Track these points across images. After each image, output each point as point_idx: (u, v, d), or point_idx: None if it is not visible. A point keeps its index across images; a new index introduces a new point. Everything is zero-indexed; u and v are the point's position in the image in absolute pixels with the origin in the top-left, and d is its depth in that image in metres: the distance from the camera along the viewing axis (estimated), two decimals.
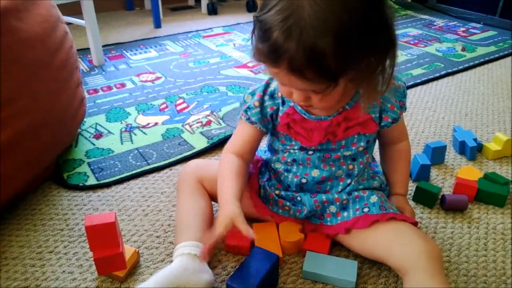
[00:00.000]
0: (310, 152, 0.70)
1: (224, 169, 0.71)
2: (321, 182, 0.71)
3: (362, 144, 0.69)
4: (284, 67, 0.52)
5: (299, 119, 0.67)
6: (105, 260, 0.65)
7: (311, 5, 0.48)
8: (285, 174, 0.73)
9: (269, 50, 0.51)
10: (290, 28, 0.49)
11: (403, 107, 0.70)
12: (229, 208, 0.64)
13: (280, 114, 0.69)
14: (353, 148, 0.69)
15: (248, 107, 0.70)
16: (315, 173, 0.71)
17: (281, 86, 0.62)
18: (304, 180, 0.72)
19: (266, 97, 0.69)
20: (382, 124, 0.70)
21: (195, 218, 0.71)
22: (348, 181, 0.72)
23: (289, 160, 0.72)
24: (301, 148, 0.70)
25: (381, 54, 0.54)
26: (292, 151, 0.71)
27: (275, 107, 0.69)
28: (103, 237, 0.63)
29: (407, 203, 0.77)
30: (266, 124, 0.71)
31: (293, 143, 0.70)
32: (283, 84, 0.59)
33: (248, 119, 0.71)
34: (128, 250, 0.71)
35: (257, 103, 0.69)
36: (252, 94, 0.70)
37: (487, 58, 1.70)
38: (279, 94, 0.69)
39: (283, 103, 0.69)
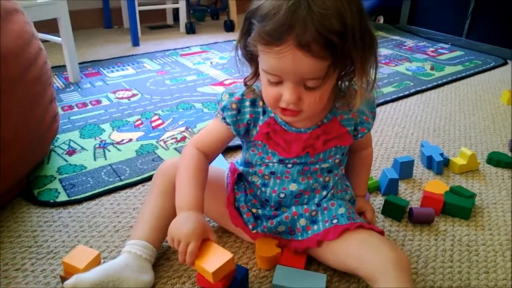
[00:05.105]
0: (290, 165, 0.70)
1: (190, 167, 0.69)
2: (299, 196, 0.72)
3: (338, 156, 0.72)
4: (291, 42, 0.53)
5: (280, 130, 0.68)
6: None
7: None
8: (263, 189, 0.73)
9: (276, 26, 0.53)
10: (299, 2, 0.52)
11: (374, 117, 0.74)
12: (201, 220, 0.63)
13: (260, 123, 0.69)
14: (330, 160, 0.71)
15: (224, 107, 0.68)
16: (293, 187, 0.72)
17: (269, 88, 0.60)
18: (282, 195, 0.72)
19: (247, 103, 0.68)
20: (359, 135, 0.72)
21: (155, 218, 0.72)
22: (324, 193, 0.73)
23: (266, 173, 0.72)
24: (280, 161, 0.70)
25: (370, 52, 0.58)
26: (270, 164, 0.71)
27: (254, 115, 0.68)
28: None
29: (367, 203, 0.82)
30: (240, 130, 0.69)
31: (271, 155, 0.71)
32: (278, 73, 0.58)
33: (224, 118, 0.69)
34: (91, 252, 0.71)
35: (234, 106, 0.68)
36: (231, 95, 0.69)
37: (454, 77, 1.77)
38: (261, 103, 0.68)
39: (264, 112, 0.68)
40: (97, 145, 1.15)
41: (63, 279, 0.67)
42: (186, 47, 2.17)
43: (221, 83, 1.65)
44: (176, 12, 2.60)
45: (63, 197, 0.93)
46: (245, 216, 0.74)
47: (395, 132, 1.29)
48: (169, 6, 2.55)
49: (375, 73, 0.61)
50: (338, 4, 0.52)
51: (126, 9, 2.23)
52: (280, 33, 0.53)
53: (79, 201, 0.92)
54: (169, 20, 2.70)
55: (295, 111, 0.61)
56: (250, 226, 0.74)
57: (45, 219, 0.86)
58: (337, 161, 0.72)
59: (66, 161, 1.07)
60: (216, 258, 0.59)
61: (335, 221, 0.70)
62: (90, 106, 1.40)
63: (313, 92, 0.58)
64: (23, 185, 0.95)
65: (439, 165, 1.06)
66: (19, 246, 0.79)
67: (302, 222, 0.73)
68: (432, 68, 1.88)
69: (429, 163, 1.08)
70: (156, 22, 2.68)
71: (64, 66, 1.65)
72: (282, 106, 0.61)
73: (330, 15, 0.52)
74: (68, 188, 0.96)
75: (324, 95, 0.61)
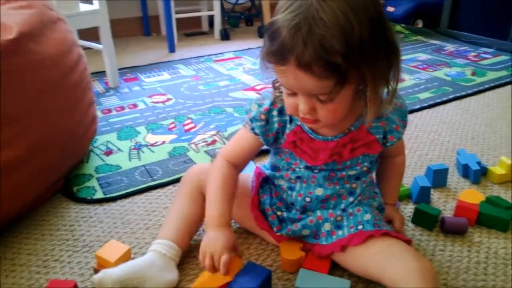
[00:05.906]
0: (316, 171, 0.71)
1: (218, 181, 0.71)
2: (325, 201, 0.72)
3: (366, 164, 0.71)
4: (292, 63, 0.54)
5: (306, 138, 0.68)
6: None
7: (321, 5, 0.52)
8: (289, 192, 0.74)
9: (278, 47, 0.54)
10: (299, 24, 0.52)
11: (405, 126, 0.72)
12: (230, 233, 0.67)
13: (287, 131, 0.69)
14: (358, 168, 0.70)
15: (253, 118, 0.69)
16: (319, 191, 0.72)
17: (287, 98, 0.62)
18: (308, 199, 0.72)
19: (275, 112, 0.69)
20: (388, 144, 0.71)
21: (181, 220, 0.75)
22: (351, 199, 0.73)
23: (293, 177, 0.72)
24: (307, 167, 0.71)
25: (386, 63, 0.57)
26: (297, 169, 0.72)
27: (282, 124, 0.69)
28: None
29: (396, 212, 0.80)
30: (269, 139, 0.71)
31: (298, 161, 0.71)
32: (289, 88, 0.59)
33: (252, 129, 0.70)
34: (122, 247, 0.74)
35: (263, 117, 0.69)
36: (259, 105, 0.70)
37: (497, 83, 1.69)
38: (288, 112, 0.69)
39: (291, 121, 0.69)
40: (132, 147, 1.20)
41: (96, 271, 0.70)
42: (220, 53, 2.21)
43: (253, 88, 1.67)
44: (211, 19, 2.66)
45: (99, 194, 0.97)
46: (270, 218, 0.75)
47: (431, 139, 1.25)
48: (204, 13, 2.61)
49: (397, 82, 0.60)
50: (341, 21, 0.51)
51: (164, 17, 2.31)
52: (282, 53, 0.54)
53: (113, 199, 0.96)
54: (205, 27, 2.77)
55: (313, 119, 0.62)
56: (275, 229, 0.75)
57: (82, 215, 0.91)
58: (365, 168, 0.71)
59: (103, 161, 1.12)
60: None
61: (360, 227, 0.69)
62: (127, 110, 1.47)
63: (326, 105, 0.59)
64: (63, 182, 1.00)
65: (476, 174, 1.01)
66: (58, 238, 0.84)
67: (327, 226, 0.72)
68: (473, 74, 1.80)
69: (465, 171, 1.04)
70: (192, 29, 2.74)
71: (105, 72, 1.73)
72: (300, 116, 0.62)
73: (331, 36, 0.51)
74: (104, 186, 1.01)
75: (339, 108, 0.60)
